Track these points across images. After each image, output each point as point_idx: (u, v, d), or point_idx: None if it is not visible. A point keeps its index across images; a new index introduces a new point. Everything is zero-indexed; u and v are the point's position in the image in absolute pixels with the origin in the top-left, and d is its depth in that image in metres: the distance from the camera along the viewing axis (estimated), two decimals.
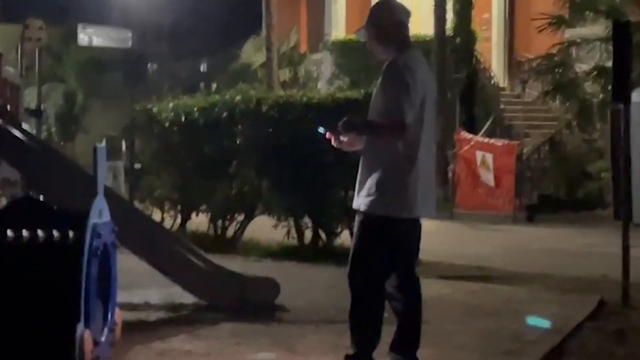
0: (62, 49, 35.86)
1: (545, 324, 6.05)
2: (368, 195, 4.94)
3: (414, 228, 5.08)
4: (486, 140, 19.28)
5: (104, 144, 19.47)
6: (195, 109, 12.21)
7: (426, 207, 5.07)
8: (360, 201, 5.01)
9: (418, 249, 5.24)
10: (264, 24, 25.25)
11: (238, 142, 11.41)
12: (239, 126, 11.33)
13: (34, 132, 13.56)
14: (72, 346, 4.46)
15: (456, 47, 22.53)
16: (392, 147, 4.86)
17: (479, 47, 23.64)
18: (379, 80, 5.03)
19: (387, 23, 5.05)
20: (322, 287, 8.54)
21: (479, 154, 18.45)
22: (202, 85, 29.04)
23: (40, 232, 4.59)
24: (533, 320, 5.48)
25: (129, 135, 20.56)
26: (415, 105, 4.84)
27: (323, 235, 10.94)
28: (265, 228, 11.24)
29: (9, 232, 4.56)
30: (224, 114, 11.43)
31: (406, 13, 5.16)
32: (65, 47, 35.66)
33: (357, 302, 5.04)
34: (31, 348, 4.49)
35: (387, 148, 4.88)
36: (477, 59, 23.48)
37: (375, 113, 5.02)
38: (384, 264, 4.99)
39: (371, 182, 4.93)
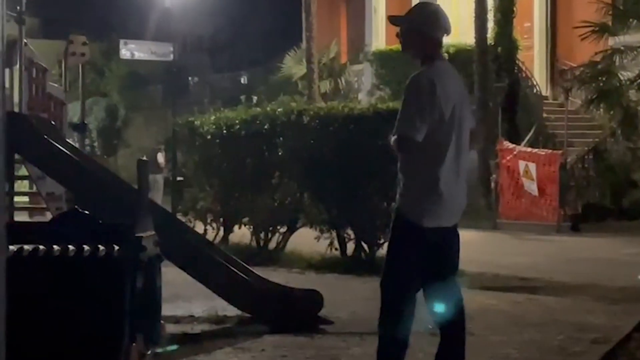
0: (104, 63, 36.23)
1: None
2: (400, 195, 4.94)
3: (441, 237, 5.01)
4: (529, 149, 19.16)
5: (159, 158, 19.58)
6: (237, 121, 12.26)
7: (450, 217, 4.99)
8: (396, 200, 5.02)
9: (452, 260, 5.15)
10: (304, 36, 25.33)
11: (280, 154, 11.43)
12: (280, 138, 11.36)
13: (77, 146, 13.66)
14: (118, 358, 4.48)
15: (498, 56, 22.42)
16: (416, 157, 4.83)
17: (520, 56, 23.50)
18: (406, 88, 4.97)
19: (426, 34, 4.96)
20: (365, 298, 8.51)
21: (521, 164, 18.34)
22: (243, 97, 29.12)
23: (85, 246, 4.61)
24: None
25: (171, 148, 20.70)
26: (430, 121, 4.74)
27: (365, 246, 10.91)
28: (307, 240, 11.24)
29: (55, 246, 4.59)
30: (266, 126, 11.47)
31: (447, 30, 5.06)
32: (107, 62, 36.03)
33: (385, 310, 5.00)
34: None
35: (412, 157, 4.85)
36: (519, 68, 23.35)
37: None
38: (411, 271, 4.94)
39: (402, 184, 4.92)
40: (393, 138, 4.87)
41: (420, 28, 4.95)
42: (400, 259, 4.95)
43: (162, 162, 23.20)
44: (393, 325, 4.97)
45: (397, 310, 4.98)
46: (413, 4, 25.85)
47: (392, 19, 5.24)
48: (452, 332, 5.06)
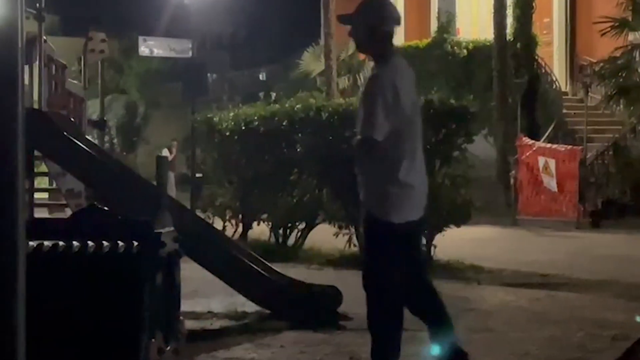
0: (123, 60, 36.35)
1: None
2: (368, 196, 4.94)
3: (412, 231, 5.02)
4: (548, 145, 19.08)
5: (165, 153, 19.69)
6: (255, 118, 12.27)
7: (418, 210, 5.01)
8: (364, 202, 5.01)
9: (420, 252, 5.20)
10: (322, 32, 25.30)
11: (298, 151, 11.43)
12: (299, 134, 11.36)
13: (97, 143, 13.72)
14: (138, 355, 4.49)
15: (517, 52, 22.36)
16: (376, 158, 4.83)
17: (539, 51, 23.42)
18: (361, 91, 4.97)
19: (376, 28, 4.94)
20: None
21: (541, 160, 18.28)
22: (261, 94, 29.16)
23: (105, 242, 4.62)
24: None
25: (190, 144, 20.75)
26: (392, 120, 4.76)
27: None
28: (326, 236, 11.24)
29: (74, 243, 4.61)
30: (284, 123, 11.47)
31: (396, 20, 5.06)
32: (126, 58, 36.14)
33: (377, 310, 5.00)
34: (96, 357, 4.53)
35: (377, 156, 4.85)
36: (538, 64, 23.27)
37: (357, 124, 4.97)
38: (393, 268, 4.93)
39: (367, 184, 4.93)
40: (356, 139, 4.88)
41: (370, 22, 4.94)
42: (381, 260, 4.93)
43: (168, 157, 23.30)
44: (386, 324, 4.96)
45: (385, 313, 4.96)
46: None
47: (341, 19, 5.22)
48: (434, 318, 5.10)
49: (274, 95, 28.25)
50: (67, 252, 4.58)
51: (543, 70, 23.70)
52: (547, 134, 21.19)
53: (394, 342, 4.98)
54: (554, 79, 24.05)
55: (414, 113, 5.00)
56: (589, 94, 21.10)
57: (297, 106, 11.62)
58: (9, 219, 2.81)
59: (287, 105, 12.12)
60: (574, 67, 24.81)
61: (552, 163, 18.05)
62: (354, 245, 11.00)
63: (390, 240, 4.90)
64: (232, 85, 36.51)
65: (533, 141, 19.22)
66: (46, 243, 4.57)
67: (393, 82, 4.79)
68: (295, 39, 32.98)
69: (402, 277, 4.99)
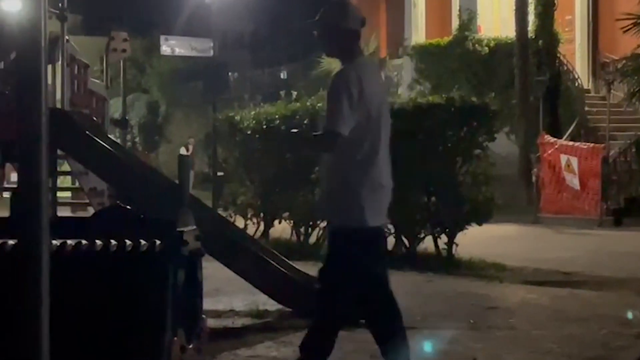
0: (145, 60, 36.46)
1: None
2: (328, 204, 4.94)
3: (380, 235, 5.04)
4: (571, 143, 19.00)
5: (182, 151, 19.83)
6: (277, 116, 12.28)
7: (380, 216, 4.99)
8: (326, 211, 5.00)
9: (384, 258, 5.14)
10: None
11: None
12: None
13: (119, 142, 13.78)
14: (160, 354, 4.51)
15: (538, 50, 22.26)
16: (345, 157, 4.82)
17: (561, 49, 23.31)
18: (330, 85, 4.97)
19: (341, 28, 4.97)
20: (405, 293, 8.47)
21: (563, 158, 18.20)
22: (282, 92, 29.18)
23: (127, 241, 4.65)
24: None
25: (211, 143, 20.79)
26: (358, 116, 4.76)
27: (405, 241, 10.89)
28: None
29: (97, 241, 4.63)
30: (305, 121, 11.47)
31: (361, 21, 5.10)
32: (148, 58, 36.24)
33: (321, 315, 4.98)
34: (119, 356, 4.55)
35: (341, 158, 4.84)
36: (560, 61, 23.16)
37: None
38: (349, 276, 4.91)
39: (329, 191, 4.93)
40: (318, 134, 4.88)
41: (337, 23, 4.96)
42: (336, 265, 4.92)
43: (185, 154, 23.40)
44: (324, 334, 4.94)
45: (332, 318, 4.97)
46: None
47: (308, 24, 5.27)
48: (389, 327, 5.03)
49: (294, 93, 28.25)
50: (90, 251, 4.61)
51: (565, 68, 23.58)
52: (569, 131, 21.10)
53: (331, 340, 4.93)
54: (576, 76, 23.94)
55: (382, 114, 4.99)
56: (612, 91, 20.97)
57: (319, 104, 11.61)
58: (34, 217, 2.84)
59: (308, 103, 12.12)
60: (596, 64, 24.66)
61: (574, 161, 17.98)
62: None
63: (357, 246, 4.87)
64: (253, 83, 36.54)
65: (555, 139, 19.14)
66: (69, 242, 4.60)
67: (359, 79, 4.79)
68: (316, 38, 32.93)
69: (362, 284, 4.96)
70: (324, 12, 5.04)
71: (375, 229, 4.89)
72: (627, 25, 18.84)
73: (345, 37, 4.98)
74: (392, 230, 10.98)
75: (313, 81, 29.95)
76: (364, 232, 4.82)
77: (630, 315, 7.17)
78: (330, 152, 4.83)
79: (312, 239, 12.04)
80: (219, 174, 18.98)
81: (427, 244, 10.77)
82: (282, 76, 37.14)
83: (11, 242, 4.47)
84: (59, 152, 9.21)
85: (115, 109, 20.79)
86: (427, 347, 6.00)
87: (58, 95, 10.15)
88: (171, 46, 24.29)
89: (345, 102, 4.72)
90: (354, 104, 4.73)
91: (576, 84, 23.76)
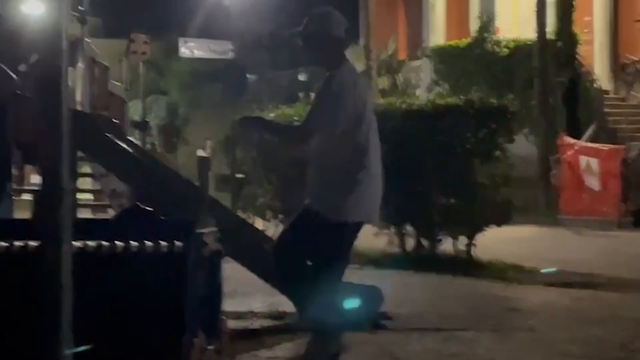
0: (164, 62, 36.57)
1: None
2: (318, 194, 5.01)
3: (352, 232, 5.09)
4: (590, 144, 18.93)
5: (199, 153, 19.86)
6: (296, 118, 12.28)
7: (363, 212, 5.05)
8: (311, 199, 5.04)
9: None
10: (362, 33, 25.30)
11: None
12: None
13: (138, 143, 13.83)
14: (180, 355, 4.53)
15: (558, 51, 22.19)
16: (342, 153, 4.91)
17: (581, 50, 23.23)
18: (321, 88, 5.05)
19: (327, 35, 5.04)
20: (425, 294, 8.51)
21: (583, 159, 18.13)
22: (301, 94, 29.19)
23: (147, 242, 4.67)
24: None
25: (231, 145, 20.82)
26: (351, 116, 4.88)
27: (425, 242, 10.88)
28: (366, 236, 11.20)
29: (118, 243, 4.66)
30: None
31: (345, 27, 5.15)
32: (167, 60, 36.34)
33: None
34: (140, 356, 4.57)
35: (338, 154, 4.91)
36: (579, 62, 23.09)
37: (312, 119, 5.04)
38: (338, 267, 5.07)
39: (321, 183, 5.01)
40: (306, 130, 4.92)
41: (323, 32, 5.03)
42: (298, 245, 5.02)
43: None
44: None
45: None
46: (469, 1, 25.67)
47: (292, 35, 5.32)
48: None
49: (313, 95, 28.26)
50: (111, 253, 4.63)
51: (584, 69, 23.51)
52: (588, 132, 21.03)
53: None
54: (595, 77, 23.86)
55: (371, 117, 5.14)
56: (631, 92, 20.90)
57: None
58: (56, 219, 2.86)
59: None
60: (616, 66, 24.58)
61: (593, 162, 17.90)
62: (395, 246, 11.00)
63: (346, 239, 5.03)
64: (271, 85, 36.58)
65: (574, 140, 19.08)
66: (90, 243, 4.62)
67: (354, 82, 4.96)
68: None
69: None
70: (309, 22, 5.12)
71: (353, 224, 4.92)
72: None
73: (332, 45, 5.06)
74: (412, 232, 10.98)
75: None
76: (341, 225, 4.92)
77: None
78: (297, 148, 4.98)
79: None
80: (239, 175, 19.00)
81: (446, 245, 10.76)
82: (301, 78, 37.17)
83: (33, 243, 4.50)
84: (79, 154, 9.26)
85: (134, 111, 20.87)
86: (444, 348, 5.99)
87: (78, 97, 10.22)
88: (190, 48, 24.41)
89: (342, 102, 4.79)
90: (348, 106, 4.77)
91: (595, 85, 23.68)
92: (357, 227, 5.01)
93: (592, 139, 20.22)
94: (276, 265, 5.06)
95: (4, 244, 4.64)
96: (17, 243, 4.59)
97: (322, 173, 5.01)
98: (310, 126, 4.89)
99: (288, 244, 5.07)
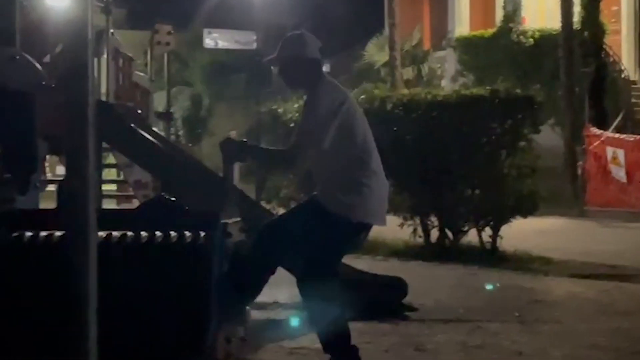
0: (188, 53, 36.61)
1: None
2: (324, 191, 5.06)
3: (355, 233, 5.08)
4: (617, 135, 18.79)
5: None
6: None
7: (378, 215, 5.06)
8: (321, 194, 5.08)
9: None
10: (386, 23, 25.22)
11: None
12: None
13: (163, 134, 13.85)
14: (205, 345, 4.54)
15: (584, 41, 22.02)
16: (339, 162, 4.98)
17: (608, 40, 23.04)
18: (304, 108, 5.14)
19: (302, 57, 5.11)
20: (449, 285, 8.48)
21: (609, 150, 18.01)
22: None
23: (172, 232, 4.67)
24: None
25: (254, 136, 20.84)
26: (338, 131, 4.94)
27: (450, 234, 10.84)
28: (391, 227, 11.17)
29: (143, 233, 4.66)
30: None
31: (318, 47, 5.22)
32: (191, 51, 36.38)
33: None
34: (165, 346, 4.58)
35: (335, 162, 4.99)
36: (606, 53, 22.91)
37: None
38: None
39: (326, 184, 5.07)
40: (294, 152, 4.94)
41: (298, 54, 5.10)
42: (333, 256, 5.03)
43: None
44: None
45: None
46: None
47: (269, 62, 5.36)
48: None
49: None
50: (136, 242, 4.64)
51: (611, 59, 23.33)
52: (615, 123, 20.88)
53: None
54: (623, 67, 23.68)
55: (367, 127, 5.22)
56: None
57: (361, 97, 11.58)
58: (81, 209, 2.86)
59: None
60: None
61: (620, 153, 17.77)
62: (419, 237, 10.97)
63: (350, 239, 5.03)
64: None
65: (601, 131, 18.94)
66: (115, 233, 4.63)
67: (334, 97, 4.99)
68: (359, 30, 32.91)
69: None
70: (283, 47, 5.19)
71: (358, 224, 4.97)
72: None
73: (308, 66, 5.12)
74: (436, 223, 10.94)
75: (356, 74, 29.93)
76: (345, 223, 4.91)
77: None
78: (288, 170, 5.08)
79: None
80: None
81: (471, 237, 10.71)
82: (325, 69, 37.14)
83: (58, 233, 4.51)
84: (103, 144, 9.28)
85: (159, 102, 20.92)
86: (470, 339, 5.97)
87: (103, 88, 10.24)
88: (214, 39, 24.41)
89: (319, 122, 4.90)
90: (330, 124, 4.90)
91: (622, 76, 23.50)
92: (362, 228, 5.01)
93: (619, 130, 20.07)
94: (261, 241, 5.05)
95: (30, 233, 4.66)
96: (43, 233, 4.61)
97: (324, 177, 5.06)
98: (296, 148, 4.96)
99: (279, 226, 5.10)
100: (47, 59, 10.07)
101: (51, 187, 13.87)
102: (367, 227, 5.07)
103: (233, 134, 28.19)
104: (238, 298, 4.94)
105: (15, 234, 4.68)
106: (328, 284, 4.92)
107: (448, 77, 26.20)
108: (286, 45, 5.19)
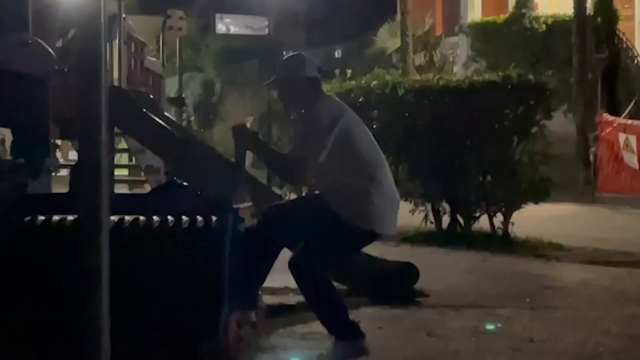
0: (200, 38, 36.61)
1: None
2: (329, 192, 5.09)
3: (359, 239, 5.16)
4: (629, 122, 18.71)
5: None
6: (331, 94, 12.23)
7: (384, 224, 5.13)
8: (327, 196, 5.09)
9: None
10: (398, 9, 25.14)
11: (374, 127, 11.39)
12: (375, 111, 11.30)
13: (175, 120, 13.86)
14: (217, 329, 4.54)
15: (597, 27, 21.91)
16: (341, 172, 5.05)
17: (621, 26, 22.92)
18: (304, 120, 5.24)
19: (301, 77, 5.20)
20: (461, 271, 8.48)
21: (622, 137, 17.93)
22: (337, 71, 29.12)
23: (184, 217, 4.68)
24: None
25: (266, 122, 20.84)
26: (335, 145, 5.01)
27: (461, 220, 10.83)
28: (402, 213, 11.15)
29: (155, 217, 4.67)
30: (360, 99, 11.42)
31: (317, 68, 5.33)
32: (203, 36, 36.38)
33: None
34: (177, 330, 4.59)
35: (336, 172, 5.06)
36: (619, 39, 22.79)
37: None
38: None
39: (330, 188, 5.10)
40: (292, 165, 5.01)
41: (297, 74, 5.21)
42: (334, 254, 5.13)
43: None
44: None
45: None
46: None
47: (268, 85, 5.53)
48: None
49: (349, 72, 28.19)
50: (148, 227, 4.64)
51: (624, 45, 23.20)
52: (628, 110, 20.78)
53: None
54: (636, 54, 23.55)
55: (360, 130, 5.33)
56: None
57: (373, 83, 11.56)
58: (94, 194, 2.86)
59: (363, 82, 12.06)
60: None
61: (633, 140, 17.70)
62: (431, 222, 10.97)
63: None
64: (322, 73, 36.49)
65: (614, 117, 18.87)
66: (127, 218, 4.64)
67: (330, 113, 5.11)
68: (371, 16, 32.83)
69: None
70: (282, 68, 5.31)
71: (362, 231, 5.05)
72: None
73: (307, 85, 5.22)
74: (447, 209, 10.94)
75: (367, 60, 29.86)
76: (347, 227, 4.97)
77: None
78: (285, 177, 5.19)
79: None
80: None
81: (482, 223, 10.70)
82: (336, 55, 37.08)
83: (71, 217, 4.52)
84: (115, 130, 9.29)
85: (170, 87, 20.91)
86: (481, 325, 5.97)
87: (115, 74, 10.24)
88: (226, 24, 24.39)
89: (313, 139, 5.00)
90: (325, 139, 4.98)
91: (636, 62, 23.37)
92: (363, 235, 5.05)
93: (632, 116, 19.98)
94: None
95: (42, 217, 4.67)
96: (55, 217, 4.62)
97: (328, 187, 5.11)
98: (293, 160, 5.02)
99: (282, 211, 5.15)
100: (59, 44, 10.08)
101: (63, 172, 13.92)
102: (370, 235, 5.10)
103: (250, 119, 28.21)
104: (249, 282, 4.98)
105: (28, 218, 4.69)
106: (317, 274, 4.98)
107: (460, 63, 26.11)
108: (285, 66, 5.29)
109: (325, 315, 5.04)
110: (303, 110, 5.25)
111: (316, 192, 5.39)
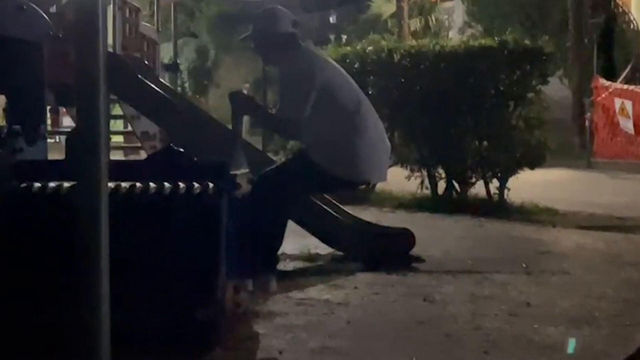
0: (194, 4, 36.40)
1: None
2: (313, 144, 5.22)
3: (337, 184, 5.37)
4: (625, 86, 18.70)
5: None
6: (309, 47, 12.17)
7: (371, 173, 5.31)
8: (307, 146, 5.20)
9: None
10: None
11: (370, 93, 11.35)
12: (371, 77, 11.26)
13: (170, 86, 13.80)
14: (214, 296, 4.55)
15: None
16: (325, 124, 5.17)
17: None
18: (283, 78, 5.27)
19: (275, 33, 5.22)
20: (456, 237, 8.50)
21: (617, 102, 17.94)
22: (332, 36, 29.00)
23: (180, 184, 4.67)
24: None
25: (261, 87, 20.78)
26: (318, 99, 5.09)
27: (457, 185, 10.84)
28: (398, 179, 11.20)
29: (151, 184, 4.65)
30: (356, 65, 11.37)
31: (292, 22, 5.32)
32: (197, 2, 36.17)
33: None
34: (174, 297, 4.59)
35: (320, 125, 5.17)
36: (615, 3, 22.74)
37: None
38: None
39: (315, 140, 5.22)
40: (282, 122, 5.09)
41: (276, 29, 5.24)
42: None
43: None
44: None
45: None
46: None
47: (243, 39, 5.53)
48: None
49: (344, 37, 28.08)
50: (145, 193, 4.63)
51: (620, 10, 23.15)
52: (624, 75, 20.79)
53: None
54: (632, 18, 23.50)
55: (355, 89, 5.47)
56: None
57: (369, 48, 11.51)
58: (92, 160, 2.85)
59: (358, 47, 12.01)
60: None
61: (628, 105, 17.70)
62: (426, 188, 10.97)
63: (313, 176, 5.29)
64: (302, 27, 36.36)
65: (609, 82, 18.85)
66: (124, 184, 4.63)
67: (310, 67, 5.16)
68: None
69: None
70: (255, 24, 5.33)
71: (343, 180, 5.25)
72: None
73: (282, 41, 5.25)
74: (443, 175, 10.94)
75: (363, 25, 29.74)
76: (330, 176, 5.15)
77: None
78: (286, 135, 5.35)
79: None
80: None
81: (478, 188, 10.71)
82: (331, 20, 36.91)
83: (67, 184, 4.51)
84: (110, 96, 9.25)
85: (165, 53, 20.81)
86: (477, 290, 5.99)
87: (110, 39, 10.18)
88: None
89: (296, 94, 5.07)
90: (307, 94, 5.05)
91: (631, 27, 23.34)
92: (347, 184, 5.17)
93: (628, 81, 19.97)
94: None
95: (38, 184, 4.66)
96: (52, 184, 4.60)
97: (314, 140, 5.16)
98: (280, 119, 5.05)
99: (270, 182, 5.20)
100: (53, 9, 10.01)
101: (58, 139, 13.88)
102: (352, 184, 5.20)
103: (247, 86, 28.12)
104: (265, 248, 5.09)
105: (24, 185, 4.68)
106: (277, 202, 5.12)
107: (456, 28, 26.06)
108: (258, 21, 5.28)
109: (261, 240, 5.24)
110: (282, 67, 5.26)
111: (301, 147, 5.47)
